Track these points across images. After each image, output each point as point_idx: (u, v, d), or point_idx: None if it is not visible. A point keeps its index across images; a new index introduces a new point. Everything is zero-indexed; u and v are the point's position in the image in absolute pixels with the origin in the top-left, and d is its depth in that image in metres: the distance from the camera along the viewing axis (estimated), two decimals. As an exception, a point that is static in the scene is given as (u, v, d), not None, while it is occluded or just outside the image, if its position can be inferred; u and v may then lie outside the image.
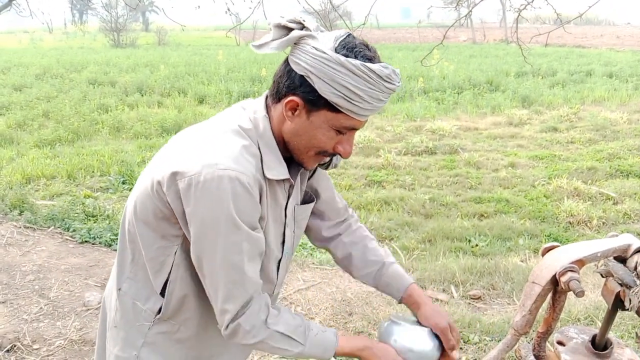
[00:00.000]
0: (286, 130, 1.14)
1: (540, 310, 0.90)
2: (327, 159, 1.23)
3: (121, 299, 1.23)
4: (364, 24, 4.61)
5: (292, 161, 1.22)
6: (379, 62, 1.08)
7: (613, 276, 0.88)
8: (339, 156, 1.26)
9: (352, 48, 1.06)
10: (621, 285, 0.85)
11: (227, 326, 1.12)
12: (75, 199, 5.27)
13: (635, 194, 6.08)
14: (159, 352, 1.22)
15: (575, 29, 40.05)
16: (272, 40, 1.10)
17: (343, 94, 1.05)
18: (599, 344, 0.89)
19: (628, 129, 9.28)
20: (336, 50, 1.05)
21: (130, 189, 6.14)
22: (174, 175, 1.05)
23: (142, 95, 12.43)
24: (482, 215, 5.61)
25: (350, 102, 1.06)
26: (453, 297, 3.69)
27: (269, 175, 1.13)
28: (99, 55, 22.40)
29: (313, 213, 1.42)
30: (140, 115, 10.10)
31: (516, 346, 1.02)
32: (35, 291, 3.48)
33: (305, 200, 1.35)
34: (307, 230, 1.47)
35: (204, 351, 1.28)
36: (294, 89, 1.09)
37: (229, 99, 12.15)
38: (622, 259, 0.87)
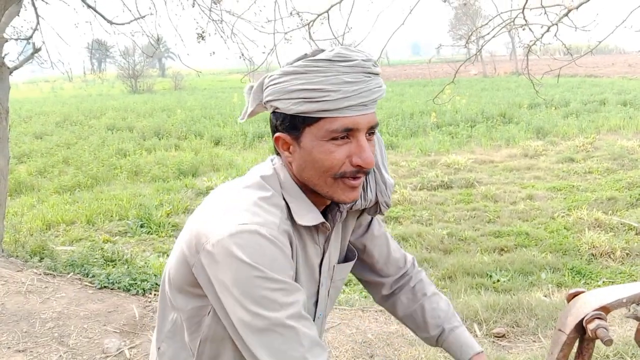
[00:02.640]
0: (296, 172, 1.05)
1: (569, 357, 0.88)
2: (358, 182, 1.04)
3: (160, 358, 1.19)
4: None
5: (327, 213, 1.13)
6: None
7: (644, 320, 0.85)
8: (385, 192, 1.15)
9: (299, 57, 1.01)
10: None
11: None
12: (94, 244, 5.33)
13: (658, 223, 5.96)
14: None
15: (586, 58, 40.09)
16: (247, 104, 1.11)
17: (303, 98, 0.97)
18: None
19: (646, 157, 9.17)
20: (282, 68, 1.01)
21: (149, 232, 6.20)
22: (197, 241, 1.00)
23: (160, 139, 12.67)
24: (502, 250, 5.53)
25: (316, 101, 0.96)
26: (477, 336, 3.60)
27: (300, 221, 1.03)
28: (117, 101, 23.01)
29: (370, 269, 1.34)
30: (158, 158, 10.27)
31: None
32: (54, 339, 3.47)
33: (346, 258, 1.26)
34: (368, 287, 1.38)
35: None
36: (275, 128, 1.05)
37: (244, 139, 12.32)
38: None
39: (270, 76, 1.02)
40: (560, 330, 0.87)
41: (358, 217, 1.29)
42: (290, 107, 0.99)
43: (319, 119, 0.98)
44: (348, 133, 0.99)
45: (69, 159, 10.37)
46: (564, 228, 6.01)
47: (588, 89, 20.47)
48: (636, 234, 5.75)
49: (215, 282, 0.96)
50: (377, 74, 1.02)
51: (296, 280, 1.08)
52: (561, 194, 7.49)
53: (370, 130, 1.03)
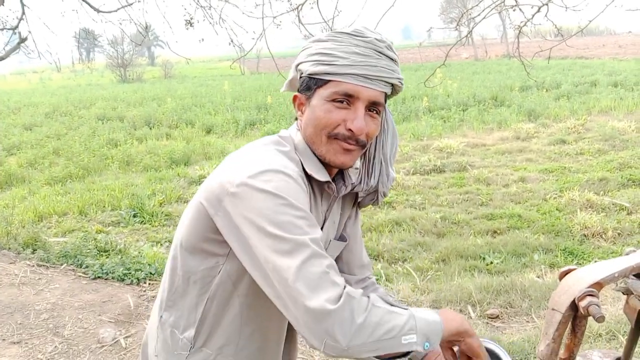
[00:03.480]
0: (303, 130, 1.17)
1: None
2: (349, 146, 1.12)
3: (162, 327, 1.23)
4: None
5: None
6: None
7: (634, 293, 0.86)
8: (386, 183, 1.24)
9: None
10: None
11: (336, 304, 0.93)
12: (87, 234, 5.30)
13: (649, 203, 6.00)
14: None
15: (577, 40, 40.20)
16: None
17: (318, 60, 1.11)
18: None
19: (637, 138, 9.21)
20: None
21: (142, 222, 6.18)
22: (220, 189, 1.05)
23: (151, 129, 12.59)
24: (495, 232, 5.56)
25: (327, 64, 1.09)
26: (471, 318, 3.63)
27: (313, 175, 1.14)
28: (107, 91, 22.80)
29: (343, 262, 1.39)
30: (149, 148, 10.21)
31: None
32: (49, 330, 3.47)
33: (340, 239, 1.33)
34: None
35: None
36: (297, 91, 1.19)
37: (236, 127, 12.26)
38: None
39: (305, 44, 1.18)
40: (554, 309, 0.87)
41: (359, 206, 1.35)
42: (307, 68, 1.13)
43: (328, 81, 1.10)
44: (349, 99, 1.10)
45: (59, 150, 10.29)
46: (556, 209, 6.05)
47: (579, 70, 20.50)
48: (627, 214, 5.80)
49: (241, 220, 1.01)
50: (389, 57, 1.13)
51: None
52: (553, 175, 7.52)
53: (372, 107, 1.13)
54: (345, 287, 0.97)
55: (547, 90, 15.23)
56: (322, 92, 1.11)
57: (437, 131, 10.72)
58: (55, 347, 3.28)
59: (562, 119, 11.33)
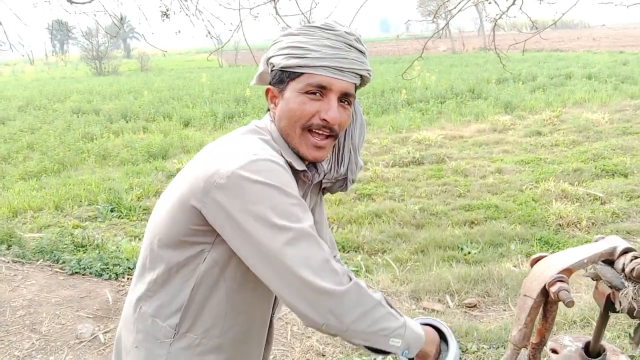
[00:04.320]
0: (276, 123, 1.19)
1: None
2: (322, 142, 1.16)
3: (141, 318, 1.23)
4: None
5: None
6: None
7: (602, 279, 0.88)
8: (355, 171, 1.30)
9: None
10: (611, 287, 0.86)
11: (344, 290, 1.00)
12: (63, 230, 5.21)
13: (621, 192, 6.15)
14: None
15: (552, 33, 40.77)
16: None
17: (289, 54, 1.13)
18: (593, 351, 0.89)
19: (610, 129, 9.41)
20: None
21: (119, 217, 6.10)
22: (208, 180, 1.05)
23: (127, 122, 12.41)
24: (472, 223, 5.64)
25: (300, 57, 1.12)
26: (449, 307, 3.68)
27: (291, 163, 1.16)
28: (82, 84, 22.38)
29: None
30: (126, 141, 10.07)
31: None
32: (26, 326, 3.42)
33: None
34: None
35: None
36: (269, 84, 1.21)
37: (215, 120, 12.17)
38: (610, 261, 0.88)
39: (276, 38, 1.20)
40: (525, 295, 0.90)
41: (328, 192, 1.39)
42: (280, 61, 1.15)
43: (301, 74, 1.13)
44: (322, 91, 1.13)
45: (33, 144, 10.08)
46: (532, 200, 6.16)
47: (554, 63, 20.81)
48: (601, 203, 5.93)
49: (235, 212, 1.02)
50: (359, 50, 1.16)
51: None
52: (529, 166, 7.65)
53: (344, 98, 1.17)
54: (350, 273, 1.03)
55: (523, 83, 15.44)
56: (295, 85, 1.14)
57: (416, 124, 10.79)
58: (33, 343, 3.23)
59: (537, 111, 11.51)
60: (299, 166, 1.19)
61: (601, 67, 17.59)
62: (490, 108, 12.01)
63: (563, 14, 3.42)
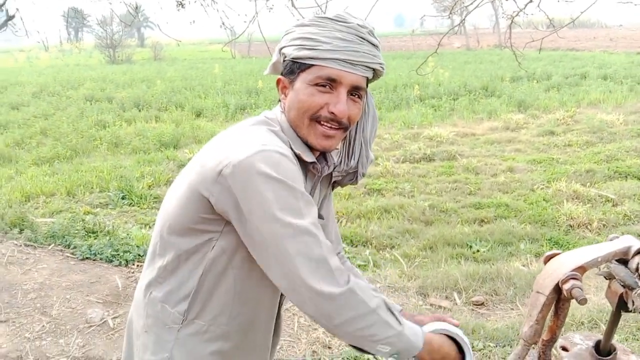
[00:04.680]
0: (286, 113, 1.19)
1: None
2: (330, 132, 1.16)
3: (151, 303, 1.25)
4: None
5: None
6: None
7: (615, 278, 0.88)
8: (365, 164, 1.29)
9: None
10: (624, 287, 0.85)
11: (339, 293, 1.00)
12: (75, 215, 5.27)
13: (634, 195, 6.09)
14: (191, 356, 1.22)
15: (568, 32, 40.34)
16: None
17: (301, 45, 1.12)
18: (604, 349, 0.89)
19: (624, 131, 9.31)
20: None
21: (130, 204, 6.15)
22: (216, 169, 1.06)
23: (140, 111, 12.47)
24: (482, 221, 5.62)
25: (310, 49, 1.11)
26: (456, 304, 3.68)
27: (301, 155, 1.16)
28: (95, 71, 22.50)
29: None
30: (138, 130, 10.12)
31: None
32: (37, 309, 3.47)
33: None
34: None
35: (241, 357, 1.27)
36: (281, 74, 1.21)
37: (226, 111, 12.19)
38: (624, 261, 0.87)
39: (288, 28, 1.19)
40: (538, 292, 0.90)
41: (339, 186, 1.38)
42: (291, 52, 1.14)
43: (311, 65, 1.12)
44: (332, 84, 1.13)
45: (47, 130, 10.16)
46: (543, 200, 6.12)
47: (569, 62, 20.60)
48: (613, 205, 5.88)
49: (240, 201, 1.03)
50: (371, 43, 1.15)
51: None
52: (541, 166, 7.59)
53: (354, 91, 1.15)
54: (349, 275, 1.03)
55: (537, 82, 15.30)
56: (305, 76, 1.14)
57: (428, 120, 10.74)
58: (43, 326, 3.28)
59: (551, 111, 11.41)
60: (308, 158, 1.19)
61: (617, 68, 17.38)
62: (504, 106, 11.92)
63: (582, 13, 3.39)
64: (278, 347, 1.55)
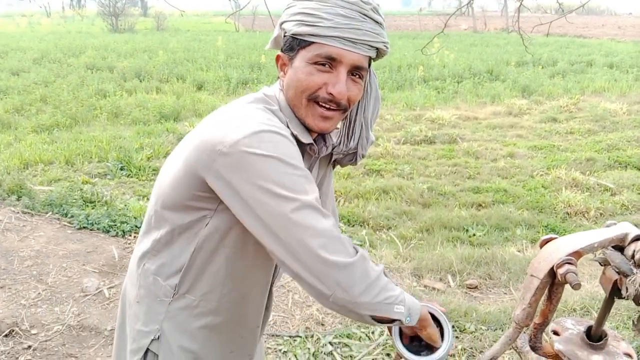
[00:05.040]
0: (285, 92, 1.16)
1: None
2: (329, 113, 1.13)
3: (144, 275, 1.25)
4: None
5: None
6: None
7: (611, 264, 0.88)
8: (365, 146, 1.27)
9: None
10: (618, 273, 0.85)
11: (349, 263, 0.99)
12: (73, 184, 5.26)
13: (633, 185, 6.09)
14: (181, 329, 1.22)
15: (577, 18, 39.91)
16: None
17: (301, 20, 1.08)
18: (595, 335, 0.89)
19: (627, 120, 9.27)
20: None
21: (129, 175, 6.14)
22: (211, 149, 1.03)
23: (141, 81, 12.38)
24: (480, 205, 5.62)
25: (310, 25, 1.06)
26: (450, 287, 3.70)
27: (298, 136, 1.14)
28: (97, 39, 22.27)
29: None
30: (139, 101, 10.06)
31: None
32: (33, 276, 3.48)
33: None
34: None
35: (232, 335, 1.28)
36: (280, 50, 1.17)
37: (228, 85, 12.10)
38: (620, 248, 0.87)
39: (290, 2, 1.14)
40: (532, 275, 0.89)
41: (339, 165, 1.36)
42: (291, 27, 1.10)
43: (311, 43, 1.08)
44: (331, 63, 1.08)
45: (47, 98, 10.09)
46: (542, 186, 6.12)
47: (576, 49, 20.40)
48: (611, 194, 5.88)
49: (238, 182, 1.00)
50: (375, 20, 1.10)
51: None
52: (542, 153, 7.57)
53: (355, 71, 1.11)
54: (354, 244, 1.04)
55: (543, 67, 15.17)
56: (305, 54, 1.09)
57: (431, 102, 10.68)
58: (39, 293, 3.30)
59: (555, 97, 11.33)
60: (305, 139, 1.16)
61: (624, 57, 17.21)
62: (508, 91, 11.84)
63: (592, -2, 3.32)
64: (270, 321, 1.56)
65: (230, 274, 1.20)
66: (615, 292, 0.87)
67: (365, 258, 1.02)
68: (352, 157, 1.30)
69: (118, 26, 30.12)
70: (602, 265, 0.89)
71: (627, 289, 0.84)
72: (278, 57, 1.16)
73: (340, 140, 1.24)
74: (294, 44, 1.11)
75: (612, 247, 0.88)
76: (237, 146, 0.99)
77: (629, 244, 0.84)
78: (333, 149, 1.25)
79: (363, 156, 1.30)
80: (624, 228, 0.85)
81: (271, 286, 1.35)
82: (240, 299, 1.25)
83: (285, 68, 1.15)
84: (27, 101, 9.81)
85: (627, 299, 0.86)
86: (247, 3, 3.98)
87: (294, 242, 0.98)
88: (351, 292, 0.98)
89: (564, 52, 19.09)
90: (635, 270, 0.83)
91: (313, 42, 1.07)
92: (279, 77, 1.20)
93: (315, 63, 1.08)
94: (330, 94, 1.09)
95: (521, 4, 4.02)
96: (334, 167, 1.38)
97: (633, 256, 0.83)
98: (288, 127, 1.13)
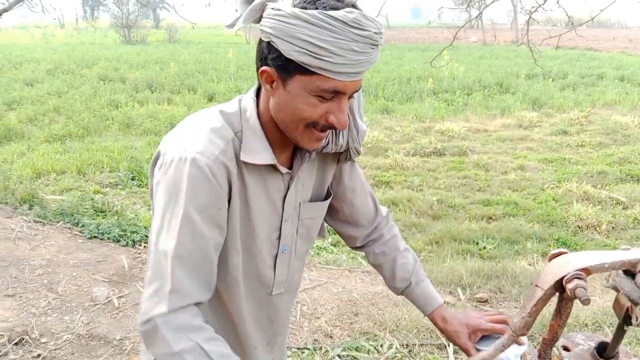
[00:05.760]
0: (271, 108, 1.07)
1: (545, 315, 0.90)
2: (324, 135, 1.08)
3: None
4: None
5: (297, 152, 1.17)
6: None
7: (620, 292, 0.86)
8: (356, 138, 1.18)
9: (313, 0, 0.97)
10: (630, 301, 0.84)
11: (145, 321, 0.99)
12: (84, 194, 5.31)
13: (645, 199, 6.03)
14: None
15: (587, 31, 39.81)
16: (241, 14, 1.06)
17: (307, 50, 0.95)
18: (607, 356, 0.88)
19: (639, 133, 9.20)
20: (294, 5, 0.97)
21: (139, 185, 6.19)
22: (156, 157, 1.10)
23: (152, 92, 12.51)
24: (490, 218, 5.59)
25: (318, 58, 0.95)
26: (460, 300, 3.68)
27: (245, 158, 1.06)
28: (110, 51, 22.56)
29: (341, 218, 1.39)
30: (150, 112, 10.16)
31: (524, 352, 1.02)
32: (43, 285, 3.51)
33: (323, 198, 1.30)
34: (340, 235, 1.44)
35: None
36: (265, 59, 1.03)
37: (238, 97, 12.18)
38: (631, 274, 0.86)
39: (276, 10, 0.98)
40: (537, 285, 0.89)
41: (338, 162, 1.29)
42: (291, 52, 0.97)
43: (314, 73, 0.97)
44: (334, 94, 1.01)
45: (60, 108, 10.23)
46: (553, 199, 6.07)
47: (587, 62, 20.32)
48: (623, 208, 5.83)
49: (155, 190, 1.07)
50: (379, 46, 1.02)
51: (253, 212, 1.13)
52: (552, 166, 7.53)
53: (352, 94, 1.05)
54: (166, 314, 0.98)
55: (553, 80, 15.13)
56: (305, 83, 0.99)
57: (440, 114, 10.68)
58: (49, 302, 3.32)
59: (565, 110, 11.29)
60: (263, 160, 1.08)
61: (635, 70, 17.12)
62: (518, 103, 11.81)
63: (601, 11, 3.33)
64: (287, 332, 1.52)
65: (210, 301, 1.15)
66: (626, 319, 0.86)
67: (158, 327, 0.97)
68: (346, 155, 1.23)
69: (130, 38, 30.50)
70: (615, 291, 0.88)
71: (637, 317, 0.83)
72: (263, 72, 1.03)
73: (328, 140, 1.15)
74: (290, 66, 0.99)
75: (624, 272, 0.87)
76: (163, 162, 1.05)
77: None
78: (322, 150, 1.17)
79: (357, 150, 1.21)
80: (638, 254, 0.84)
81: (273, 295, 1.28)
82: (229, 320, 1.22)
83: (273, 84, 1.04)
84: (41, 111, 9.95)
85: (638, 327, 0.85)
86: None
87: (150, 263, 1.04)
88: (147, 345, 1.00)
89: (575, 64, 19.03)
90: (645, 299, 0.82)
91: (316, 73, 0.97)
92: (259, 86, 1.12)
93: (319, 95, 1.00)
94: (332, 124, 1.03)
95: (530, 16, 4.03)
96: (339, 161, 1.28)
97: (644, 284, 0.81)
98: (241, 144, 1.08)
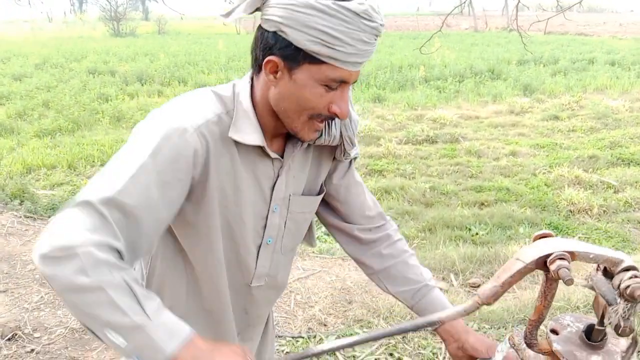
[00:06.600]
0: (272, 97, 1.06)
1: (532, 298, 0.90)
2: (322, 125, 1.09)
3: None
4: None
5: (289, 140, 1.16)
6: None
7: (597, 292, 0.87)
8: (349, 126, 1.17)
9: None
10: (605, 301, 0.85)
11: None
12: (75, 188, 5.28)
13: (636, 182, 6.07)
14: None
15: (578, 16, 39.82)
16: (239, 4, 1.04)
17: (320, 39, 0.96)
18: (595, 339, 0.88)
19: (630, 117, 9.24)
20: None
21: (131, 179, 6.17)
22: None
23: (142, 85, 12.41)
24: (482, 204, 5.61)
25: (330, 48, 0.96)
26: (453, 286, 3.70)
27: (233, 136, 1.05)
28: (99, 44, 22.35)
29: (338, 216, 1.36)
30: (141, 104, 10.09)
31: (510, 333, 1.02)
32: (35, 280, 3.49)
33: (314, 192, 1.28)
34: (336, 236, 1.41)
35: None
36: (270, 49, 1.02)
37: (230, 88, 12.12)
38: (610, 275, 0.86)
39: (287, 0, 0.97)
40: (518, 259, 0.89)
41: (334, 159, 1.28)
42: (303, 41, 0.97)
43: (323, 62, 0.99)
44: (339, 83, 1.03)
45: (49, 102, 10.13)
46: (545, 184, 6.10)
47: (578, 47, 20.35)
48: (614, 192, 5.86)
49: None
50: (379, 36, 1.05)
51: (242, 196, 1.12)
52: (544, 151, 7.56)
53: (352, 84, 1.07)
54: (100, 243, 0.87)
55: (544, 66, 15.14)
56: (314, 72, 1.00)
57: (432, 101, 10.67)
58: (41, 297, 3.31)
59: (557, 95, 11.32)
60: (252, 141, 1.07)
61: (625, 54, 17.17)
62: (509, 89, 11.82)
63: (590, -5, 3.32)
64: (272, 322, 1.53)
65: (191, 284, 1.17)
66: (602, 319, 0.87)
67: (92, 257, 0.84)
68: (342, 148, 1.22)
69: (119, 30, 30.23)
70: (593, 291, 0.88)
71: (609, 317, 0.84)
72: (268, 62, 1.02)
73: (321, 132, 1.14)
74: (298, 56, 0.99)
75: (603, 272, 0.87)
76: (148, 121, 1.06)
77: (619, 272, 0.84)
78: (314, 142, 1.16)
79: (351, 140, 1.20)
80: (622, 255, 0.85)
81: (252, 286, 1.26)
82: (206, 314, 1.22)
83: (277, 74, 1.03)
84: (30, 106, 9.85)
85: (610, 327, 0.86)
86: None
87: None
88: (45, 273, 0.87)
89: (565, 50, 19.05)
90: (618, 300, 0.82)
91: (326, 62, 0.99)
92: (254, 73, 1.11)
93: (326, 85, 1.02)
94: (334, 113, 1.05)
95: (519, 2, 4.02)
96: (334, 158, 1.27)
97: (619, 286, 0.82)
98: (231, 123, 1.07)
